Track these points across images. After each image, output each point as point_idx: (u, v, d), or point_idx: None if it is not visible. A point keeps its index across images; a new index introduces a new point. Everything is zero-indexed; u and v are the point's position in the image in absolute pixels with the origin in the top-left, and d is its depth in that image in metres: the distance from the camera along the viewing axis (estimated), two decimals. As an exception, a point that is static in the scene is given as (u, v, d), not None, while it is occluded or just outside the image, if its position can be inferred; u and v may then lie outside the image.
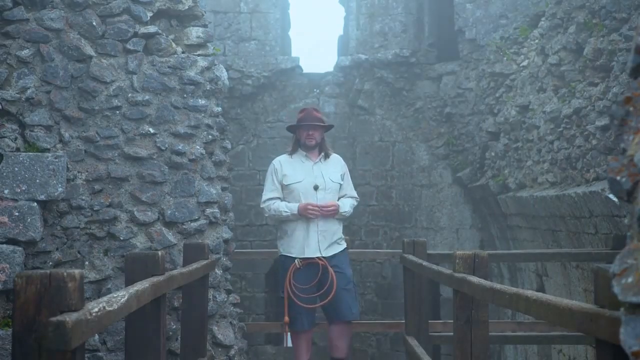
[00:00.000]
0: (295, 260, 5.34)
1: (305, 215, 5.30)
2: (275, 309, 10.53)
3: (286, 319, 5.34)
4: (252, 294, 10.01)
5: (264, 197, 5.50)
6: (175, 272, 3.99)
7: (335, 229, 5.47)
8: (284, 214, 5.36)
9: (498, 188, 8.48)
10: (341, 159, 5.74)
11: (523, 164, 7.74)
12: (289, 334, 5.50)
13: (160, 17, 5.32)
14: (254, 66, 10.22)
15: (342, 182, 5.55)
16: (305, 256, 5.34)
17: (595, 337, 2.03)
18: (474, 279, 3.54)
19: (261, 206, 5.59)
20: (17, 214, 4.55)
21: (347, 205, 5.50)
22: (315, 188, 5.41)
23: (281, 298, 5.45)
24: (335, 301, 5.33)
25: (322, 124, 5.55)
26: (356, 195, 5.73)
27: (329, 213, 5.35)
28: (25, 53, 4.80)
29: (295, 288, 5.30)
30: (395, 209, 10.28)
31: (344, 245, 5.57)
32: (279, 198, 5.44)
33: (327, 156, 5.57)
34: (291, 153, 5.57)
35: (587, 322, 2.00)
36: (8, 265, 4.46)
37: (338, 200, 5.49)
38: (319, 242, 5.37)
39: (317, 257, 5.34)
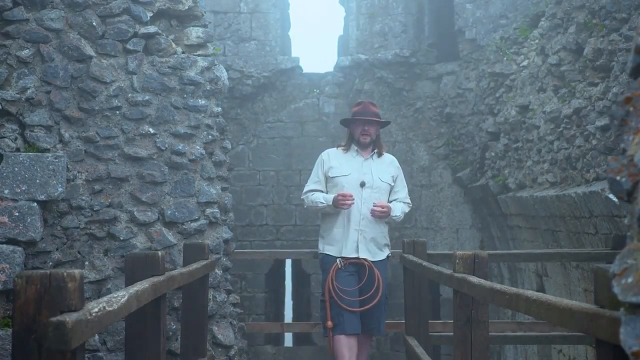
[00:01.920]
0: (337, 260, 4.98)
1: (339, 206, 4.91)
2: (276, 309, 10.54)
3: (329, 323, 4.92)
4: (252, 294, 10.01)
5: (305, 188, 5.16)
6: (175, 272, 3.99)
7: (379, 233, 5.07)
8: (320, 205, 5.00)
9: (498, 188, 8.48)
10: (396, 160, 5.33)
11: (523, 164, 7.74)
12: (329, 337, 5.00)
13: (160, 17, 5.32)
14: (254, 66, 10.22)
15: (392, 184, 5.14)
16: (343, 255, 4.99)
17: (595, 337, 2.02)
18: (474, 279, 3.54)
19: (301, 197, 5.28)
20: (17, 214, 4.55)
21: (398, 210, 5.08)
22: (362, 185, 5.01)
23: (322, 301, 5.03)
24: (366, 311, 4.96)
25: (378, 120, 5.14)
26: (409, 201, 5.29)
27: (381, 214, 4.96)
28: (25, 53, 4.80)
29: (339, 289, 4.91)
30: (395, 209, 10.27)
31: (386, 253, 5.15)
32: (320, 191, 5.07)
33: (380, 155, 5.18)
34: (345, 149, 5.18)
35: (587, 322, 2.00)
36: (8, 265, 4.46)
37: (388, 203, 5.10)
38: (358, 242, 4.99)
39: (363, 258, 4.97)
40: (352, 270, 5.00)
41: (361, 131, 5.06)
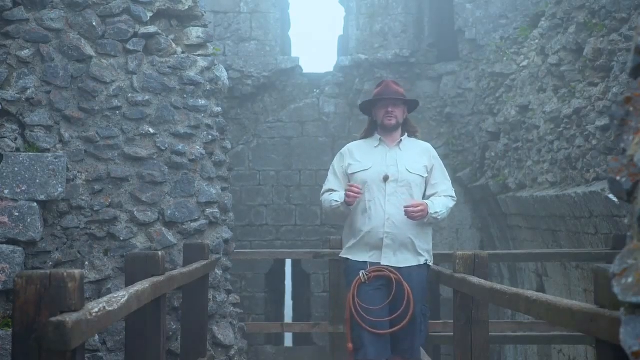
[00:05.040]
0: (361, 273, 4.15)
1: (347, 202, 4.16)
2: (276, 309, 10.53)
3: (349, 345, 4.16)
4: (252, 294, 10.01)
5: (323, 189, 4.46)
6: (175, 272, 3.99)
7: (414, 235, 4.22)
8: (334, 204, 4.24)
9: (498, 188, 8.48)
10: (431, 147, 4.52)
11: (523, 164, 7.74)
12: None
13: (160, 17, 5.32)
14: (254, 66, 10.22)
15: (425, 176, 4.32)
16: (366, 260, 4.21)
17: (595, 337, 2.02)
18: (474, 279, 3.54)
19: (320, 199, 4.56)
20: (17, 214, 4.55)
21: (438, 205, 4.24)
22: (385, 179, 4.20)
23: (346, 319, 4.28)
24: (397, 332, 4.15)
25: (404, 99, 4.37)
26: (453, 193, 4.41)
27: (418, 215, 4.14)
28: (25, 53, 4.80)
29: (360, 307, 4.10)
30: (395, 209, 10.27)
31: (425, 258, 4.28)
32: (337, 191, 4.31)
33: (414, 137, 4.44)
34: (365, 136, 4.45)
35: (587, 322, 2.00)
36: (8, 265, 4.46)
37: (425, 199, 4.31)
38: (383, 246, 4.18)
39: (387, 269, 4.14)
40: (379, 284, 4.16)
41: (385, 113, 4.32)
